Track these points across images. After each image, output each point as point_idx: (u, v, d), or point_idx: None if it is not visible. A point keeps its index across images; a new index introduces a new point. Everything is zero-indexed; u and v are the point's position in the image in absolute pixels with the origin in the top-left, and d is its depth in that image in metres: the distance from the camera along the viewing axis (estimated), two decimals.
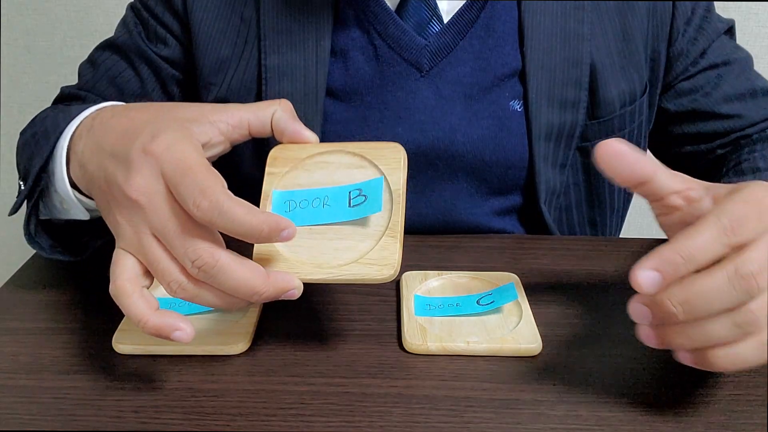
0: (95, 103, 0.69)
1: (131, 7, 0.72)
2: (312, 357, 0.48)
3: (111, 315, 0.52)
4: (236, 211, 0.39)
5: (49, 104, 0.73)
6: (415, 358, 0.48)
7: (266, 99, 0.66)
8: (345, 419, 0.42)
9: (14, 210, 0.54)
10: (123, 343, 0.48)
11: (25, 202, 0.53)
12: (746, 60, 0.72)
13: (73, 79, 0.74)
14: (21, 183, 0.56)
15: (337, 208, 0.46)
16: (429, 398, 0.44)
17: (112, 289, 0.42)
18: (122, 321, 0.50)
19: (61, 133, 0.51)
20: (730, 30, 0.73)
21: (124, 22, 0.73)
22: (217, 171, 0.41)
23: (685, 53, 0.70)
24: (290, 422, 0.42)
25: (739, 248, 0.37)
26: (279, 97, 0.67)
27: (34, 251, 0.62)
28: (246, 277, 0.41)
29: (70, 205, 0.52)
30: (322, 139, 0.67)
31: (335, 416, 0.42)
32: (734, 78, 0.71)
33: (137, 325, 0.42)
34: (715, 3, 0.72)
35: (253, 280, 0.41)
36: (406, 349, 0.48)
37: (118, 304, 0.42)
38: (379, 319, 0.52)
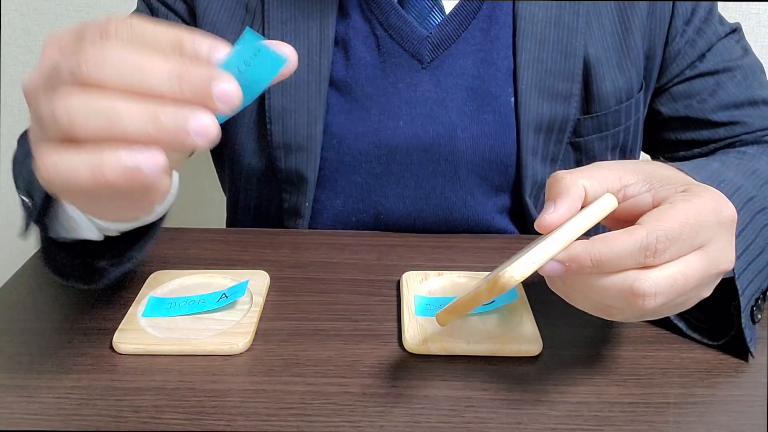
0: None
1: None
2: (312, 357, 0.48)
3: (111, 315, 0.52)
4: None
5: None
6: (416, 358, 0.48)
7: (269, 89, 0.66)
8: (345, 419, 0.42)
9: (25, 228, 0.49)
10: (123, 343, 0.48)
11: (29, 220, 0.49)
12: (752, 67, 0.70)
13: None
14: (24, 198, 0.50)
15: None
16: (429, 398, 0.44)
17: None
18: (123, 321, 0.50)
19: None
20: (734, 32, 0.71)
21: (137, 12, 0.72)
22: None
23: (681, 54, 0.69)
24: (291, 422, 0.42)
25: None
26: (282, 87, 0.66)
27: (35, 251, 0.62)
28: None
29: (78, 222, 0.48)
30: (324, 131, 0.66)
31: (336, 416, 0.42)
32: (734, 86, 0.69)
33: None
34: (716, 3, 0.71)
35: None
36: (407, 349, 0.48)
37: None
38: (379, 319, 0.52)
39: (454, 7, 0.66)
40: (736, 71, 0.69)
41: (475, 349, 0.48)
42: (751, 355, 0.47)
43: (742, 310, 0.46)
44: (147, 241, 0.52)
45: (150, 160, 0.31)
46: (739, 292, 0.46)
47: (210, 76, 0.31)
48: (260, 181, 0.71)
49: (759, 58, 0.72)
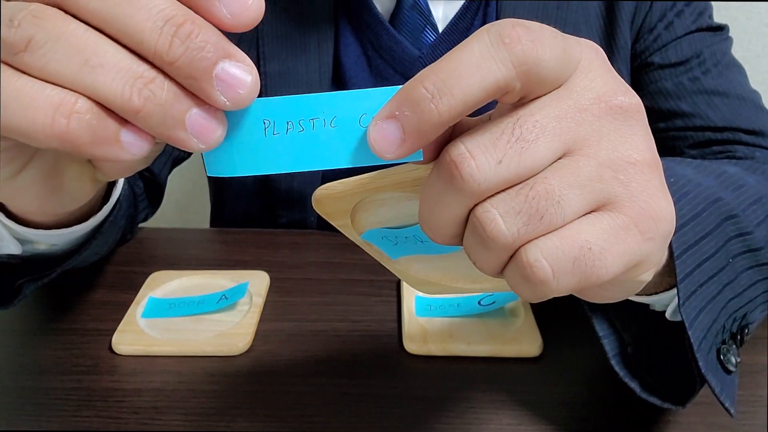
0: None
1: None
2: (312, 358, 0.48)
3: (110, 316, 0.52)
4: None
5: None
6: (416, 359, 0.48)
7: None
8: (345, 420, 0.42)
9: None
10: (123, 344, 0.48)
11: None
12: (713, 58, 0.64)
13: None
14: None
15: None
16: (429, 399, 0.44)
17: None
18: (122, 322, 0.50)
19: None
20: (713, 29, 0.65)
21: None
22: None
23: (648, 51, 0.65)
24: (290, 423, 0.42)
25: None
26: None
27: None
28: None
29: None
30: None
31: (335, 417, 0.42)
32: (683, 75, 0.64)
33: None
34: (716, 3, 0.71)
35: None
36: (407, 349, 0.48)
37: None
38: (379, 320, 0.52)
39: (448, 25, 0.63)
40: (691, 62, 0.64)
41: (476, 350, 0.48)
42: (730, 414, 0.36)
43: (696, 349, 0.35)
44: (81, 252, 0.45)
45: (133, 129, 0.23)
46: (687, 325, 0.35)
47: (221, 47, 0.23)
48: (251, 199, 0.69)
49: (762, 58, 0.71)
